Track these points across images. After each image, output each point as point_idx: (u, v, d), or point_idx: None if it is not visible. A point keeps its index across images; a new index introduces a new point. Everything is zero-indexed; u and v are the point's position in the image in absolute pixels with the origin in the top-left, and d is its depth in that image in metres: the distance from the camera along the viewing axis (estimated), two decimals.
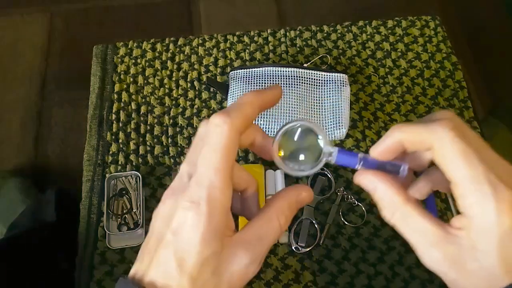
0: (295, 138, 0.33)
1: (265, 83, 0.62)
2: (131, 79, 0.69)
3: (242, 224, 0.56)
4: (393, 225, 0.31)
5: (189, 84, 0.68)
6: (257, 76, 0.63)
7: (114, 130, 0.65)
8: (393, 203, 0.31)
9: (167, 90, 0.68)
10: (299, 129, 0.33)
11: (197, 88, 0.68)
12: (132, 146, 0.63)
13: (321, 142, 0.32)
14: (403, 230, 0.31)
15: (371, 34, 0.72)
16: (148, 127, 0.65)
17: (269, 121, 0.60)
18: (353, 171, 0.61)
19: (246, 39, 0.72)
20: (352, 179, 0.34)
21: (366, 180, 0.32)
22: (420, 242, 0.30)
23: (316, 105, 0.62)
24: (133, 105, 0.66)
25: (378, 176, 0.31)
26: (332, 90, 0.62)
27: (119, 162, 0.62)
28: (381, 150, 0.31)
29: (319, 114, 0.61)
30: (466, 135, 0.29)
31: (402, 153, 0.32)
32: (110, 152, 0.63)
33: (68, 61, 1.42)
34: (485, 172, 0.27)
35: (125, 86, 0.68)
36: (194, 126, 0.65)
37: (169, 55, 0.71)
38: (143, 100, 0.67)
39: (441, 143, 0.29)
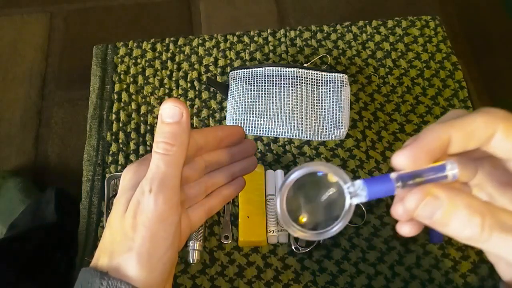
0: (301, 195, 0.27)
1: (265, 83, 0.62)
2: (131, 79, 0.69)
3: (241, 230, 0.56)
4: (487, 244, 0.24)
5: (189, 84, 0.68)
6: (257, 76, 0.63)
7: (114, 130, 0.65)
8: (478, 211, 0.23)
9: (167, 90, 0.68)
10: (300, 179, 0.27)
11: (197, 88, 0.68)
12: (132, 146, 0.63)
13: (337, 182, 0.26)
14: (503, 235, 0.23)
15: (371, 34, 0.72)
16: (148, 127, 0.65)
17: (269, 120, 0.60)
18: (357, 175, 0.61)
19: (246, 39, 0.72)
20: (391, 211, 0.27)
21: (425, 206, 0.24)
22: None
23: (316, 105, 0.62)
24: (133, 105, 0.66)
25: (438, 189, 0.24)
26: (332, 90, 0.62)
27: (119, 162, 0.62)
28: (420, 152, 0.24)
29: (319, 114, 0.61)
30: None
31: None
32: (110, 152, 0.63)
33: (68, 61, 1.42)
34: None
35: (125, 86, 0.68)
36: (194, 126, 0.65)
37: (169, 55, 0.71)
38: (143, 100, 0.67)
39: (508, 121, 0.25)
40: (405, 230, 0.28)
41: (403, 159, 0.24)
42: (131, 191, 0.32)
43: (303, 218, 0.28)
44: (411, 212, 0.25)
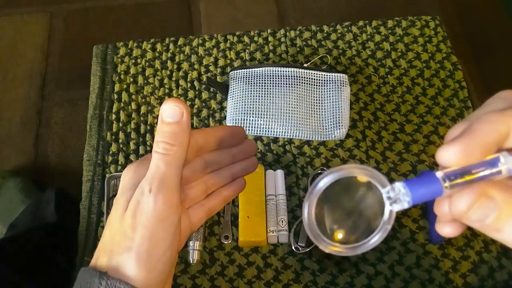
0: (332, 200, 0.24)
1: (265, 83, 0.62)
2: (131, 79, 0.69)
3: (241, 230, 0.56)
4: None
5: (189, 84, 0.68)
6: (257, 76, 0.63)
7: (114, 130, 0.65)
8: None
9: (167, 90, 0.68)
10: (329, 186, 0.23)
11: (197, 88, 0.68)
12: (132, 146, 0.63)
13: (373, 185, 0.23)
14: None
15: (371, 34, 0.72)
16: (148, 127, 0.65)
17: (269, 120, 0.60)
18: None
19: (246, 39, 0.72)
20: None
21: (478, 208, 0.21)
22: None
23: (316, 105, 0.62)
24: (133, 105, 0.66)
25: (493, 189, 0.21)
26: (332, 90, 0.62)
27: (119, 162, 0.62)
28: (474, 147, 0.21)
29: (319, 114, 0.61)
30: None
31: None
32: (110, 152, 0.63)
33: (68, 61, 1.42)
34: None
35: (125, 86, 0.68)
36: (194, 126, 0.65)
37: (169, 55, 0.71)
38: (143, 100, 0.67)
39: None
40: (447, 231, 0.25)
41: (452, 156, 0.21)
42: (130, 191, 0.32)
43: (336, 231, 0.24)
44: (461, 214, 0.22)
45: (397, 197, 0.22)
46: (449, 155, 0.21)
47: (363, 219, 0.24)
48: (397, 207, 0.22)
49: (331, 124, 0.60)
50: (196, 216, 0.36)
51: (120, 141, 0.64)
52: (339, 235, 0.24)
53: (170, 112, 0.31)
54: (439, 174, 0.21)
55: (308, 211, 0.23)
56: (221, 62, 0.70)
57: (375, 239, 0.23)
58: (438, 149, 0.21)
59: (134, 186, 0.32)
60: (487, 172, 0.21)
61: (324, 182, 0.23)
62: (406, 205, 0.22)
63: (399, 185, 0.22)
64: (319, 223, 0.24)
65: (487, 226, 0.21)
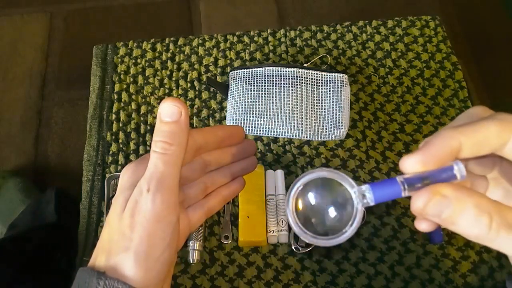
0: (310, 201, 0.28)
1: (265, 83, 0.62)
2: (131, 79, 0.69)
3: (241, 230, 0.56)
4: (494, 243, 0.24)
5: (189, 84, 0.68)
6: (257, 76, 0.63)
7: (114, 130, 0.65)
8: (486, 211, 0.24)
9: (167, 90, 0.68)
10: (307, 188, 0.28)
11: (197, 88, 0.68)
12: (132, 146, 0.63)
13: (345, 187, 0.27)
14: (510, 235, 0.24)
15: (371, 34, 0.72)
16: (148, 127, 0.65)
17: (269, 120, 0.60)
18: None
19: (246, 39, 0.72)
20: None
21: (433, 205, 0.24)
22: None
23: (316, 105, 0.62)
24: (133, 105, 0.66)
25: (446, 188, 0.24)
26: (332, 90, 0.62)
27: (119, 162, 0.62)
28: (429, 159, 0.25)
29: (319, 114, 0.61)
30: None
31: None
32: (110, 152, 0.63)
33: (68, 61, 1.42)
34: None
35: (125, 86, 0.68)
36: (194, 126, 0.65)
37: (169, 55, 0.71)
38: (143, 100, 0.67)
39: None
40: (423, 226, 0.28)
41: (411, 165, 0.25)
42: (129, 190, 0.32)
43: (315, 224, 0.28)
44: (420, 211, 0.25)
45: (363, 196, 0.26)
46: (408, 165, 0.25)
47: (339, 215, 0.28)
48: (362, 205, 0.26)
49: (331, 124, 0.60)
50: (195, 216, 0.36)
51: (120, 141, 0.64)
52: (318, 229, 0.28)
53: (169, 112, 0.31)
54: (399, 178, 0.25)
55: (290, 206, 0.28)
56: (221, 62, 0.70)
57: (348, 233, 0.27)
58: (401, 159, 0.25)
59: (132, 185, 0.32)
60: (441, 177, 0.25)
61: (298, 185, 0.28)
62: (370, 203, 0.26)
63: (364, 187, 0.26)
64: (302, 217, 0.28)
65: (444, 220, 0.25)
